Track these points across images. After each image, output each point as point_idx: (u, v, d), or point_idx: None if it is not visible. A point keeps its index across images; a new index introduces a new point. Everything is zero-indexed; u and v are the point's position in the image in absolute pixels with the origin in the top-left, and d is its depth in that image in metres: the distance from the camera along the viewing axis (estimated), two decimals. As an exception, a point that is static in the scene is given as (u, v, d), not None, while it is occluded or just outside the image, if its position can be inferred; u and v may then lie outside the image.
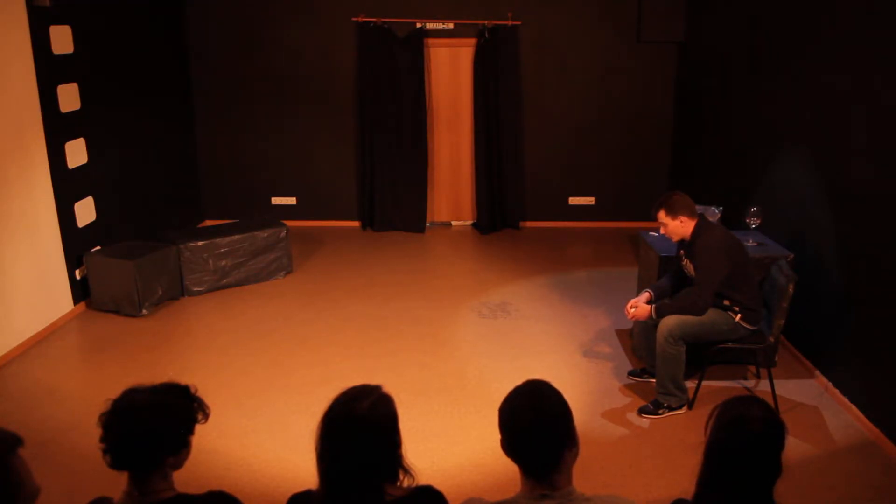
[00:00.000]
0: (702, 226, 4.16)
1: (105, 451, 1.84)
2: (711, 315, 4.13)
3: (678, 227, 4.16)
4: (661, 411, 4.25)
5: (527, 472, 1.87)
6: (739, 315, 4.12)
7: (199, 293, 6.10)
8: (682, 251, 4.31)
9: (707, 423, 1.92)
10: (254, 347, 5.16)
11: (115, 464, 1.84)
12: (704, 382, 4.37)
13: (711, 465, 1.86)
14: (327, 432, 1.83)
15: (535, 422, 1.83)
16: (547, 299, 6.03)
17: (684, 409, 4.27)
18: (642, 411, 4.27)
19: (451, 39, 7.66)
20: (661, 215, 4.19)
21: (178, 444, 1.90)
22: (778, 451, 1.81)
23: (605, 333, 5.38)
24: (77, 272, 5.72)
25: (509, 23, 7.47)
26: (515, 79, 7.65)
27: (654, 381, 4.47)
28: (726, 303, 4.14)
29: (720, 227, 4.24)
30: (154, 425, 1.84)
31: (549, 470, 1.83)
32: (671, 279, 4.43)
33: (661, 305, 4.15)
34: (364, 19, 7.49)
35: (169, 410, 1.88)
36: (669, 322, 4.13)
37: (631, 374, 4.73)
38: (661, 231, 4.24)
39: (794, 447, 3.84)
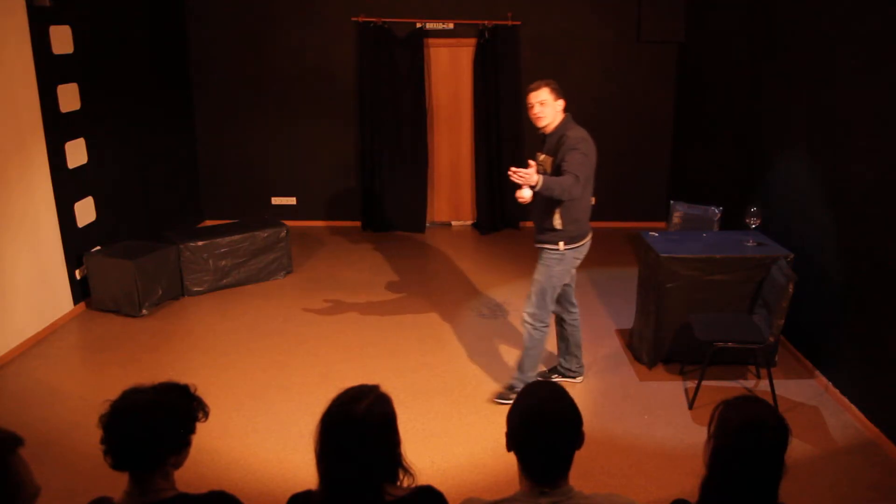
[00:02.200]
0: (571, 120, 4.05)
1: (106, 453, 1.84)
2: (542, 269, 4.12)
3: (555, 110, 4.01)
4: (514, 397, 4.27)
5: (530, 474, 1.86)
6: (562, 242, 4.07)
7: (199, 293, 6.10)
8: (539, 152, 4.15)
9: (710, 422, 1.90)
10: (254, 348, 5.16)
11: (117, 464, 1.84)
12: (704, 382, 4.37)
13: (719, 471, 1.83)
14: (326, 433, 1.83)
15: (549, 430, 1.82)
16: (547, 299, 6.02)
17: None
18: (500, 398, 4.37)
19: (451, 39, 7.66)
20: (545, 92, 3.97)
21: (179, 444, 1.90)
22: (784, 453, 1.81)
23: (605, 333, 5.38)
24: (77, 272, 5.72)
25: (509, 23, 7.48)
26: (515, 79, 7.65)
27: (567, 380, 4.60)
28: (548, 225, 4.06)
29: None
30: (155, 425, 1.84)
31: (555, 475, 1.84)
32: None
33: (547, 179, 3.81)
34: (364, 19, 7.49)
35: (169, 410, 1.88)
36: (528, 307, 4.20)
37: (540, 375, 4.60)
38: (534, 111, 4.01)
39: (794, 447, 3.83)
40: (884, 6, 3.91)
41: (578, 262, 4.23)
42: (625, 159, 7.96)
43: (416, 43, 7.52)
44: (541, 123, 4.06)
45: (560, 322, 4.55)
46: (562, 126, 4.04)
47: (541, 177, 3.78)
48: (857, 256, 4.20)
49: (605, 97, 7.78)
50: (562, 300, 4.42)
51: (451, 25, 7.59)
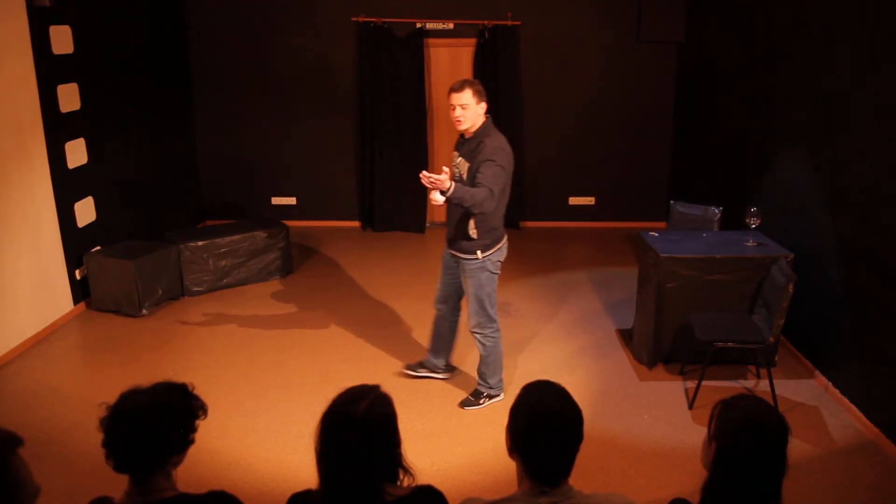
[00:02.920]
0: (491, 125, 3.95)
1: (108, 455, 1.83)
2: (469, 282, 4.12)
3: (477, 113, 3.88)
4: (482, 401, 4.35)
5: (532, 474, 1.86)
6: (479, 251, 4.04)
7: (199, 293, 6.10)
8: (455, 151, 4.08)
9: (710, 422, 1.90)
10: (254, 348, 5.16)
11: (120, 467, 1.84)
12: (704, 382, 4.37)
13: (722, 472, 1.83)
14: (326, 433, 1.83)
15: (552, 429, 1.82)
16: (547, 299, 6.03)
17: (502, 396, 4.38)
18: (464, 405, 4.36)
19: (451, 39, 7.66)
20: (469, 94, 3.82)
21: (181, 443, 1.90)
22: (785, 451, 1.81)
23: (604, 333, 5.38)
24: (77, 272, 5.72)
25: (509, 23, 7.47)
26: (515, 79, 7.65)
27: (433, 375, 4.63)
28: (463, 234, 4.02)
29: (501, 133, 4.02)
30: (157, 426, 1.84)
31: (558, 474, 1.84)
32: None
33: (459, 187, 3.73)
34: (364, 19, 7.50)
35: (170, 410, 1.88)
36: (471, 320, 4.21)
37: (408, 367, 4.70)
38: (456, 114, 3.86)
39: (794, 447, 3.83)
40: (883, 5, 3.91)
41: (500, 263, 4.22)
42: (625, 159, 7.96)
43: (416, 43, 7.52)
44: (462, 127, 3.94)
45: (442, 319, 4.52)
46: (481, 131, 3.92)
47: (453, 184, 3.70)
48: (857, 256, 4.20)
49: (605, 97, 7.78)
50: (455, 299, 4.42)
51: (451, 25, 7.59)
